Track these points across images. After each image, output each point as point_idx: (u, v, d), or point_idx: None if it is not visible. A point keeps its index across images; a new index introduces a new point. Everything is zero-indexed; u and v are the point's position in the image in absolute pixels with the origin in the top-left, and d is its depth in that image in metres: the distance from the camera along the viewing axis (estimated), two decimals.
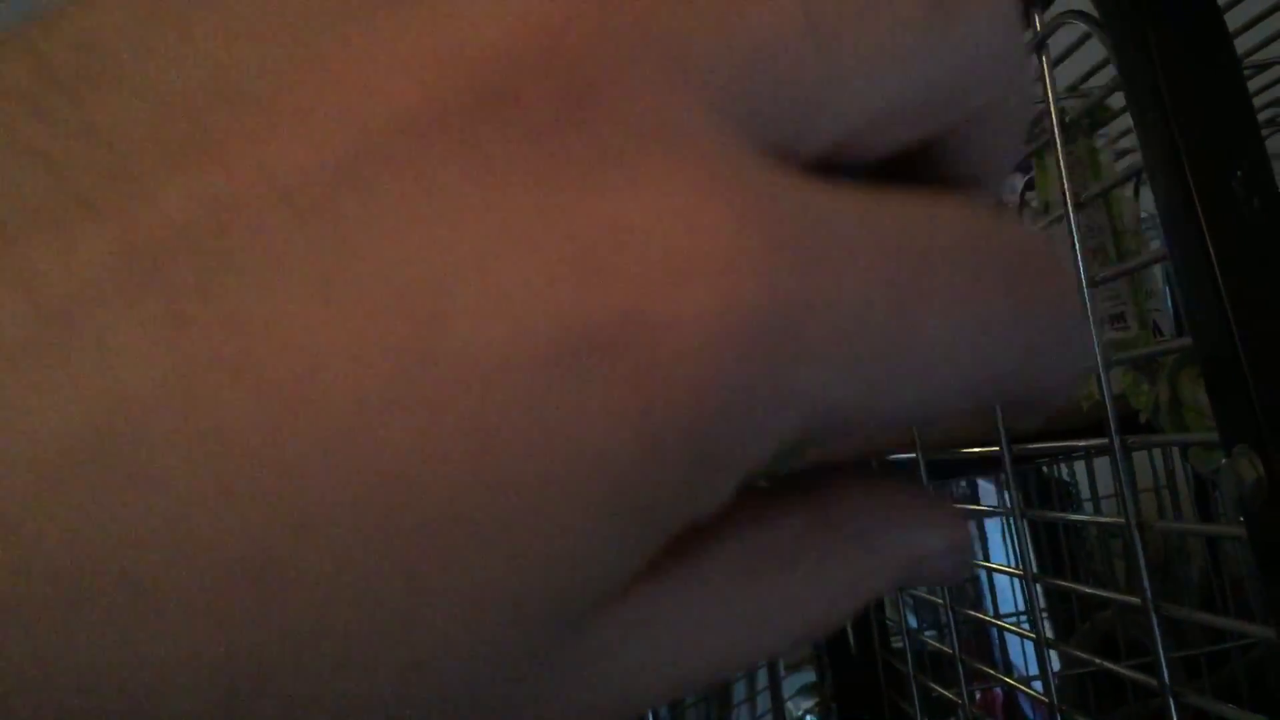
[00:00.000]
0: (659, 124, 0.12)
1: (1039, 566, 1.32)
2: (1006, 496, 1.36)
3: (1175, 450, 1.19)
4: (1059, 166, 0.58)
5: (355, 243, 0.11)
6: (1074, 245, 0.57)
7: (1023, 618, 1.31)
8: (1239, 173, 0.43)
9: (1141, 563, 0.55)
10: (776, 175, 0.13)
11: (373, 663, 0.12)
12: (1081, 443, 0.65)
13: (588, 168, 0.12)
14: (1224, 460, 0.44)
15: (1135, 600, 0.56)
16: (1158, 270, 0.89)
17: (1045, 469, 1.34)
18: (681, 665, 0.15)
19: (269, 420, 0.11)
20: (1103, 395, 0.57)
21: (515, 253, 0.11)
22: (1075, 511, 1.35)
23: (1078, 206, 0.56)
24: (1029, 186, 1.01)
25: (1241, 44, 0.64)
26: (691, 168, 0.12)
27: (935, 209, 0.15)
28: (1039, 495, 1.34)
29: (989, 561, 1.31)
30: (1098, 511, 1.30)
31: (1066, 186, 0.56)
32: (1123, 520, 0.56)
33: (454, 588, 0.12)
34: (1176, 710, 0.54)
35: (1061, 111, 0.58)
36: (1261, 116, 0.96)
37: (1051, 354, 0.16)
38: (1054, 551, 1.28)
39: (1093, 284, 0.57)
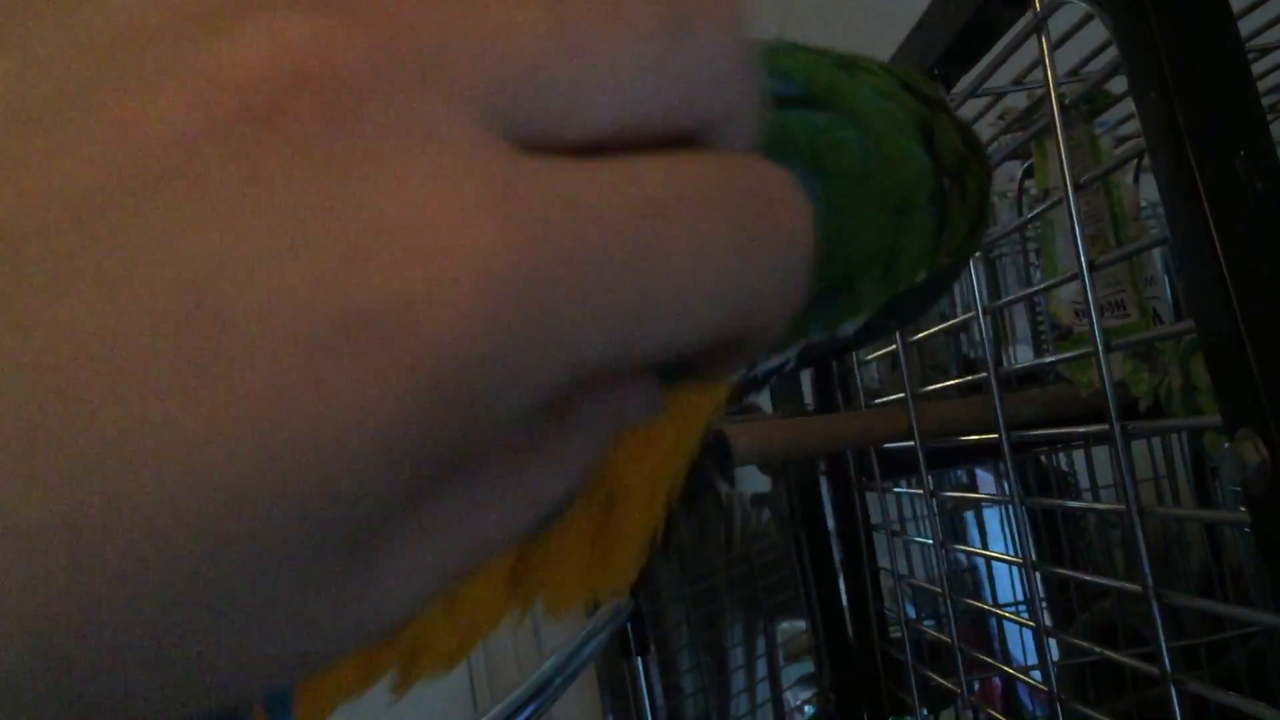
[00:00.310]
0: (417, 129, 0.14)
1: (1038, 557, 1.32)
2: (1005, 486, 1.35)
3: (1174, 439, 1.19)
4: (1059, 151, 0.57)
5: (140, 249, 0.13)
6: (1074, 228, 0.56)
7: (1021, 607, 1.30)
8: (1242, 154, 0.43)
9: (1142, 549, 0.55)
10: (525, 162, 0.15)
11: (178, 603, 0.13)
12: (1082, 429, 0.65)
13: (352, 170, 0.14)
14: (1226, 444, 0.43)
15: (1135, 587, 0.55)
16: (1157, 258, 0.89)
17: (1044, 459, 1.33)
18: (462, 550, 0.16)
19: (68, 413, 0.12)
20: (1102, 382, 0.56)
21: (286, 249, 0.13)
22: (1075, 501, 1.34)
23: (1078, 189, 0.56)
24: (1028, 174, 1.01)
25: (1245, 27, 0.64)
26: (446, 164, 0.14)
27: (674, 162, 0.16)
28: (1038, 486, 1.33)
29: (982, 550, 1.30)
30: (1097, 500, 1.30)
31: (1066, 170, 0.56)
32: (1123, 507, 0.56)
33: (255, 536, 0.13)
34: (1178, 698, 0.54)
35: (1062, 96, 0.57)
36: (1265, 102, 0.96)
37: (779, 283, 0.17)
38: (1053, 541, 1.27)
39: (1093, 268, 0.56)
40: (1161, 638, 0.54)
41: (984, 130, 0.87)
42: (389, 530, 0.15)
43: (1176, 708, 0.54)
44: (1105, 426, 0.56)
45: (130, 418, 0.12)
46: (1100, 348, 0.55)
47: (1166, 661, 0.54)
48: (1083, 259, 0.55)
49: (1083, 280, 0.56)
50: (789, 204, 0.18)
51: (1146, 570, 0.54)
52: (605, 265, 0.15)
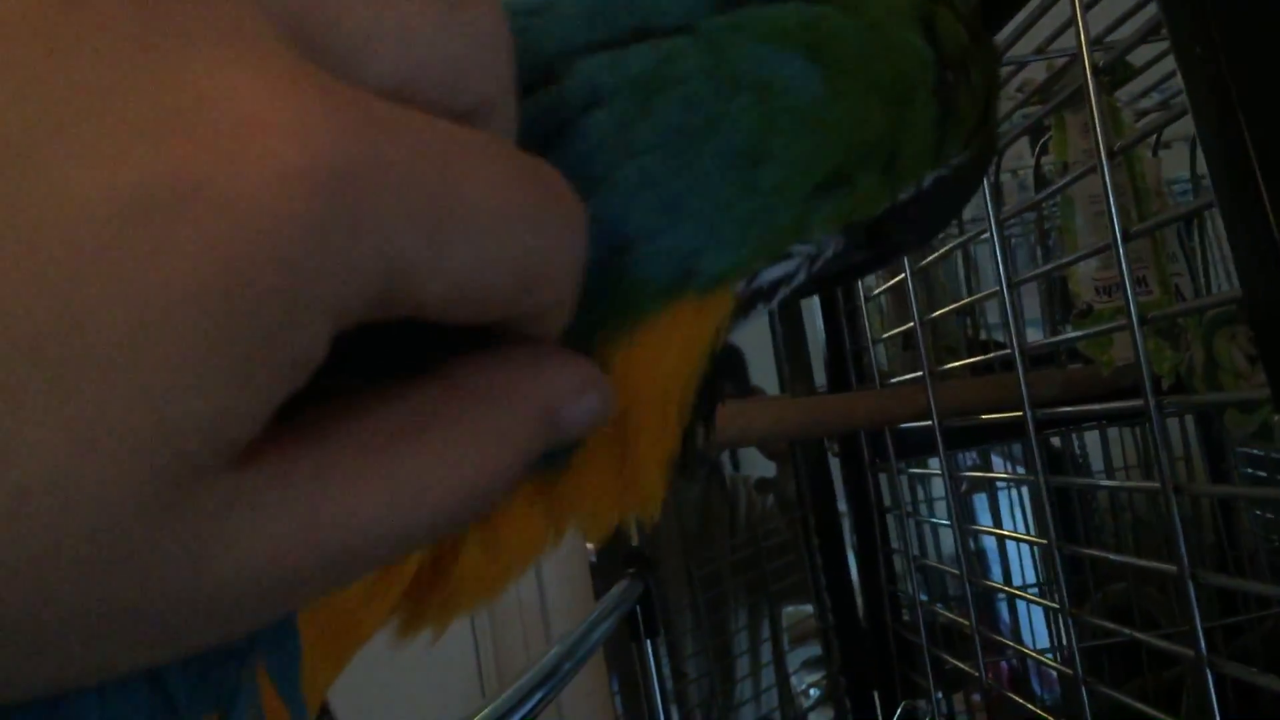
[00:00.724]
0: (227, 22, 0.15)
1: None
2: (1017, 470, 1.34)
3: (1190, 418, 1.18)
4: (1091, 118, 0.55)
5: None
6: (1107, 197, 0.54)
7: (1033, 590, 1.29)
8: None
9: (1178, 527, 0.53)
10: (333, 79, 0.16)
11: None
12: (1114, 404, 0.63)
13: (160, 48, 0.14)
14: (1277, 418, 0.41)
15: (1170, 568, 0.54)
16: (1173, 235, 0.87)
17: (1056, 442, 1.32)
18: (326, 533, 0.16)
19: None
20: (1135, 352, 0.55)
21: (98, 116, 0.14)
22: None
23: (1112, 156, 0.54)
24: (1043, 151, 0.99)
25: None
26: (266, 59, 0.15)
27: (471, 130, 0.18)
28: (1051, 468, 1.32)
29: (1000, 530, 1.29)
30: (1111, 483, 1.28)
31: (1100, 134, 0.54)
32: (1157, 485, 0.54)
33: (55, 414, 0.13)
34: (1213, 680, 0.52)
35: (1095, 60, 0.55)
36: None
37: (561, 243, 0.19)
38: (1067, 524, 1.26)
39: (1127, 237, 0.54)
40: (1197, 619, 0.52)
41: (1002, 104, 0.85)
42: (220, 478, 0.15)
43: (1213, 690, 0.52)
44: (1138, 403, 0.55)
45: None
46: (1135, 320, 0.53)
47: (1202, 643, 0.52)
48: (1117, 231, 0.53)
49: (1116, 252, 0.54)
50: (559, 179, 0.19)
51: (1183, 550, 0.52)
52: (411, 170, 0.16)
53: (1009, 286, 0.68)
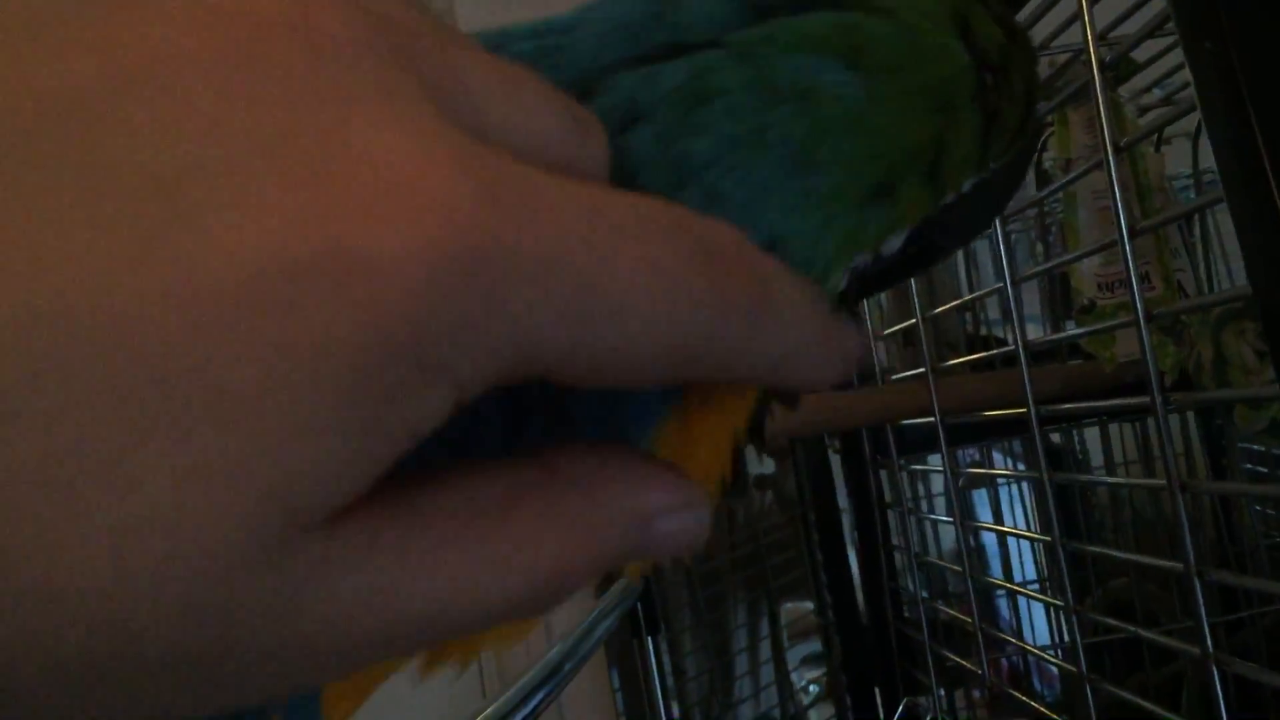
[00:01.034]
0: (395, 84, 0.15)
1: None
2: (1017, 465, 1.34)
3: (1190, 415, 1.17)
4: (1099, 113, 0.55)
5: (112, 145, 0.14)
6: (1114, 192, 0.54)
7: (1034, 587, 1.29)
8: None
9: (1185, 525, 0.53)
10: (491, 149, 0.16)
11: (89, 508, 0.13)
12: (1119, 401, 0.63)
13: (328, 108, 0.15)
14: None
15: (1177, 565, 0.54)
16: (1175, 231, 0.87)
17: (1056, 438, 1.32)
18: (401, 601, 0.16)
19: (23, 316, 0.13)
20: (1141, 348, 0.54)
21: (254, 165, 0.14)
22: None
23: (1119, 151, 0.53)
24: (1043, 147, 0.99)
25: None
26: (421, 123, 0.15)
27: (635, 197, 0.18)
28: (1051, 464, 1.32)
29: (1002, 527, 1.29)
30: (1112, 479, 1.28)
31: (1106, 129, 0.54)
32: (1163, 482, 0.54)
33: (178, 450, 0.13)
34: (1220, 677, 0.52)
35: (1101, 55, 0.55)
36: None
37: (748, 339, 0.18)
38: (1069, 521, 1.26)
39: (1134, 234, 0.54)
40: (1203, 618, 0.52)
41: None
42: (319, 536, 0.15)
43: (1219, 688, 0.52)
44: (1144, 399, 0.54)
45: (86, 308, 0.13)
46: (1141, 316, 0.53)
47: (1209, 643, 0.52)
48: (1123, 225, 0.53)
49: (1122, 248, 0.54)
50: (747, 256, 0.19)
51: (1189, 548, 0.52)
52: (557, 241, 0.15)
53: (1011, 284, 0.68)
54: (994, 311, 1.37)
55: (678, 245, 0.17)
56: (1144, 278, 0.80)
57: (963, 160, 0.30)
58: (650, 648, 1.02)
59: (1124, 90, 1.00)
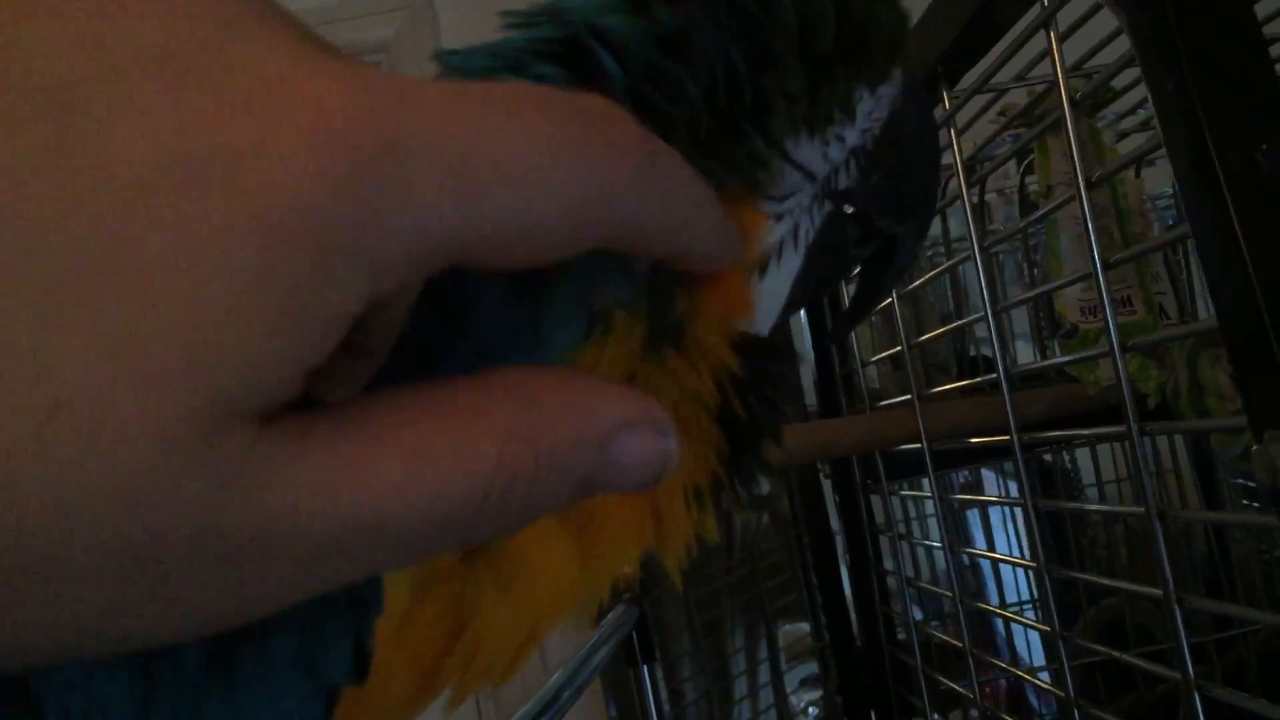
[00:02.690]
0: (274, 20, 0.17)
1: (1045, 553, 1.31)
2: (1010, 486, 1.34)
3: (1179, 435, 1.18)
4: (1068, 148, 0.56)
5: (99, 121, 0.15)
6: (1087, 226, 0.55)
7: (1027, 607, 1.29)
8: (1265, 146, 0.42)
9: (1163, 553, 0.53)
10: (361, 64, 0.17)
11: (10, 389, 0.14)
12: (1098, 430, 0.63)
13: (212, 26, 0.16)
14: (1255, 447, 0.42)
15: (1156, 591, 0.54)
16: (1158, 255, 0.88)
17: (1047, 457, 1.32)
18: (342, 500, 0.16)
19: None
20: (1118, 377, 0.55)
21: (153, 73, 0.16)
22: (1079, 497, 1.34)
23: (1090, 186, 0.54)
24: (1028, 171, 1.00)
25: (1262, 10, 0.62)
26: (299, 45, 0.17)
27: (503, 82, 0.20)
28: (1042, 482, 1.32)
29: (993, 550, 1.29)
30: (1103, 497, 1.29)
31: (1079, 167, 0.55)
32: (1141, 509, 0.55)
33: (92, 328, 0.14)
34: (1202, 705, 0.53)
35: (1072, 91, 0.56)
36: None
37: (644, 195, 0.20)
38: (1058, 536, 1.26)
39: (1108, 266, 0.55)
40: (1184, 644, 0.53)
41: (986, 128, 0.86)
42: (247, 429, 0.16)
43: (1201, 714, 0.53)
44: (1121, 428, 0.55)
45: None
46: (1116, 347, 0.53)
47: (1190, 669, 0.53)
48: (1096, 258, 0.54)
49: (1097, 280, 0.55)
50: (618, 119, 0.20)
51: (1168, 575, 0.53)
52: (437, 123, 0.17)
53: (993, 313, 0.69)
54: (983, 330, 1.37)
55: (553, 112, 0.18)
56: (1124, 302, 0.81)
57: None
58: (646, 676, 1.02)
59: (1107, 112, 1.01)
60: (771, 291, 0.31)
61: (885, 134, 0.33)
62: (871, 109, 0.32)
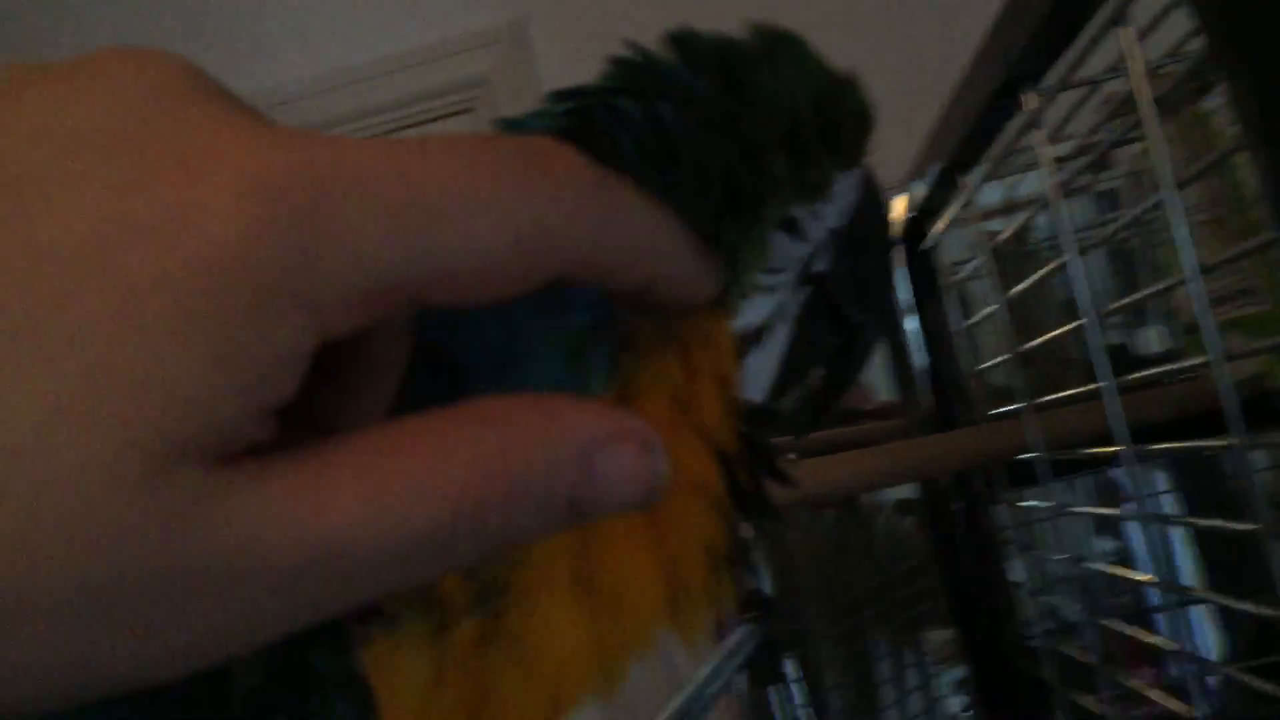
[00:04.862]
0: (211, 98, 0.19)
1: (1204, 559, 1.24)
2: (1159, 478, 1.28)
3: None
4: (1161, 147, 0.53)
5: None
6: (1183, 232, 0.52)
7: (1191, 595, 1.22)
8: None
9: (1279, 572, 0.50)
10: (296, 131, 0.18)
11: None
12: (1204, 443, 0.60)
13: (152, 107, 0.18)
14: None
15: None
16: None
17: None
18: (303, 533, 0.17)
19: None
20: (1221, 393, 0.52)
21: (97, 156, 0.17)
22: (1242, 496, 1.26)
23: (1183, 185, 0.52)
24: (1102, 167, 0.95)
25: None
26: (234, 116, 0.18)
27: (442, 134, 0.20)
28: (1202, 473, 1.25)
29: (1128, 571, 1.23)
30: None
31: (1168, 171, 0.52)
32: (1255, 526, 0.51)
33: (40, 381, 0.15)
34: None
35: (1153, 92, 0.53)
36: None
37: (598, 223, 0.20)
38: (1226, 538, 1.19)
39: (1204, 270, 0.52)
40: None
41: (1087, 120, 0.82)
42: (202, 467, 0.16)
43: None
44: (1225, 441, 0.52)
45: None
46: (1213, 356, 0.50)
47: None
48: (1194, 263, 0.51)
49: (1196, 288, 0.52)
50: (558, 152, 0.20)
51: None
52: (366, 172, 0.18)
53: (1101, 316, 0.66)
54: (1113, 319, 1.31)
55: (490, 151, 0.19)
56: (1248, 292, 0.76)
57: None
58: (774, 699, 1.01)
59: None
60: (760, 366, 0.32)
61: (853, 220, 0.34)
62: (845, 190, 0.34)
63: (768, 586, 1.09)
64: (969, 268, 0.91)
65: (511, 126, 0.30)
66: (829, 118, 0.32)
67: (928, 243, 0.95)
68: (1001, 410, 0.87)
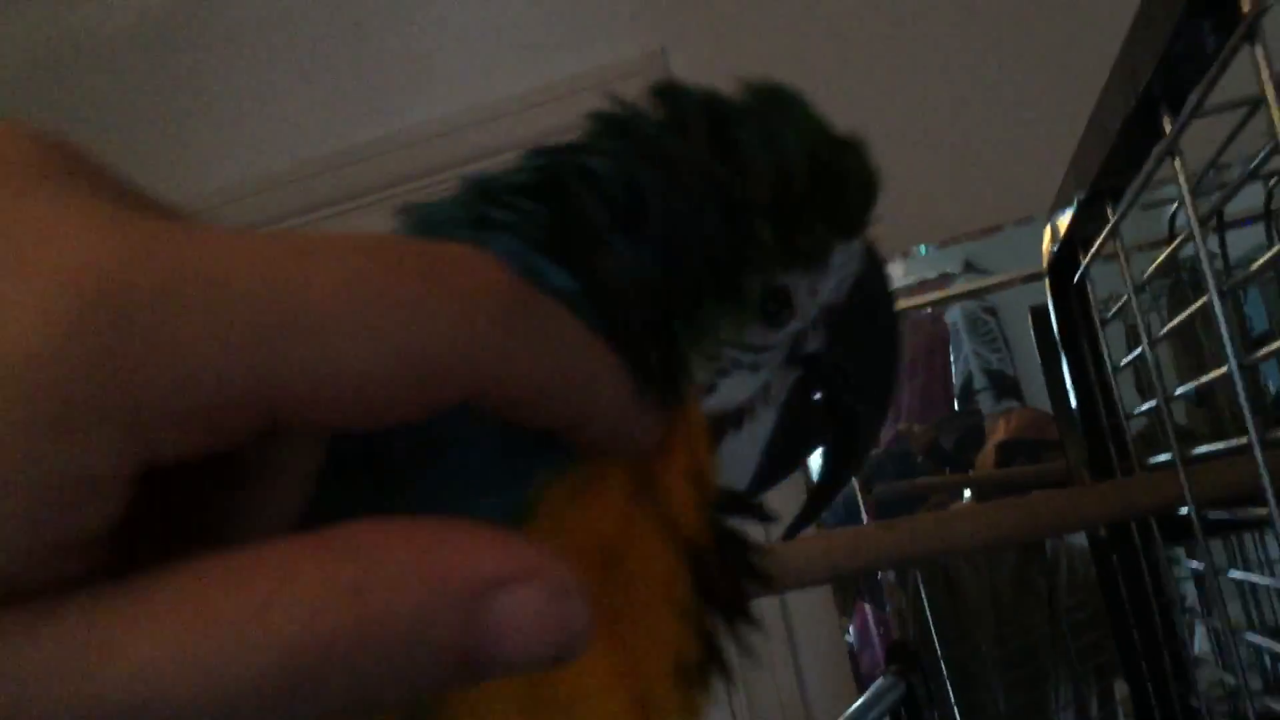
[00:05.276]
0: (63, 182, 0.16)
1: None
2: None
3: None
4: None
5: None
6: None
7: None
8: None
9: None
10: (154, 215, 0.16)
11: None
12: None
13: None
14: None
15: None
16: None
17: None
18: (89, 681, 0.15)
19: None
20: None
21: None
22: None
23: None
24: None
25: None
26: (84, 204, 0.16)
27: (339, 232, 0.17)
28: None
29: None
30: None
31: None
32: None
33: None
34: None
35: None
36: None
37: (505, 345, 0.18)
38: None
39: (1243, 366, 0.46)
40: None
41: (1247, 143, 0.75)
42: None
43: None
44: None
45: None
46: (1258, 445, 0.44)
47: None
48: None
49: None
50: (471, 264, 0.18)
51: None
52: (221, 272, 0.15)
53: (1240, 368, 0.59)
54: None
55: (386, 257, 0.17)
56: None
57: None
58: None
59: None
60: (741, 451, 0.29)
61: (852, 294, 0.31)
62: (844, 262, 0.31)
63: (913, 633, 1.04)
64: (1119, 304, 0.85)
65: (423, 219, 0.28)
66: (827, 181, 0.30)
67: (1077, 276, 0.89)
68: (1157, 461, 0.80)
